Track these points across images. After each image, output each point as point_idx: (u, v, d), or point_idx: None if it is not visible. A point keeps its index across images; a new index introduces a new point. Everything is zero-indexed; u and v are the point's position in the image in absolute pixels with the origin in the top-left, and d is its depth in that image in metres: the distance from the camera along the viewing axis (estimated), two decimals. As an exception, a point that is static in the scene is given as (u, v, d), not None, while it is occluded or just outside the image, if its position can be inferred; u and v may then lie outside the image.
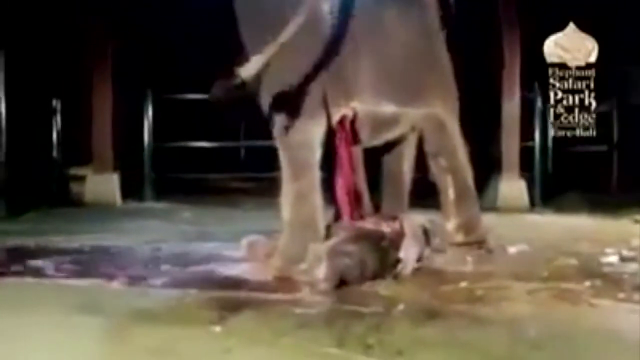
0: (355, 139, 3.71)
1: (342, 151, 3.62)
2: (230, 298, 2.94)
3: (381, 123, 3.80)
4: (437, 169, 3.97)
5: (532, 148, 6.93)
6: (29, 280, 3.26)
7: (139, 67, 7.70)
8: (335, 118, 3.61)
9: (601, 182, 7.40)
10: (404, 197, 4.09)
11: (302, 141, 3.55)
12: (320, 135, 3.58)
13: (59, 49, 6.98)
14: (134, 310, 2.73)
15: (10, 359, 2.19)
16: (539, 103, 6.75)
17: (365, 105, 3.67)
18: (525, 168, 6.92)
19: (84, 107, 6.87)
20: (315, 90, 3.53)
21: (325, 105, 3.56)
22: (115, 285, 3.20)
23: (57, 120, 7.04)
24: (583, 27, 3.82)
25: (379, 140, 3.92)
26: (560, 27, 4.11)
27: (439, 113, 3.92)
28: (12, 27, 6.40)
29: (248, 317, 2.63)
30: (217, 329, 2.46)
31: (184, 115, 8.01)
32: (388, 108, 3.76)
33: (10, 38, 6.28)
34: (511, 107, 6.90)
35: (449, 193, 3.91)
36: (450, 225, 3.88)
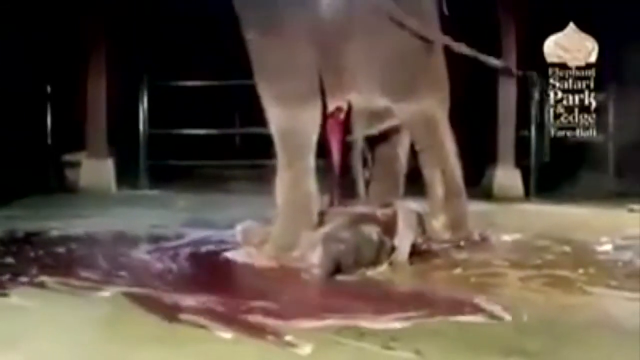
0: (347, 130, 3.73)
1: (333, 141, 3.66)
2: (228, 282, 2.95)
3: (374, 116, 3.81)
4: (425, 165, 3.95)
5: (528, 137, 6.93)
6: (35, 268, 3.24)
7: (134, 54, 7.66)
8: (330, 108, 3.63)
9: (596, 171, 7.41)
10: (397, 182, 4.08)
11: (297, 129, 3.56)
12: (315, 124, 3.59)
13: (53, 34, 6.93)
14: (131, 294, 2.73)
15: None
16: (535, 93, 6.74)
17: (360, 98, 3.68)
18: (521, 157, 6.93)
19: (78, 93, 6.84)
20: (311, 80, 3.54)
21: (322, 94, 3.57)
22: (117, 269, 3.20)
23: (52, 106, 7.01)
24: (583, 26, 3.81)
25: (371, 131, 3.93)
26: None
27: (430, 109, 3.90)
28: (5, 13, 6.36)
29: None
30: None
31: (179, 102, 7.97)
32: (382, 102, 3.77)
33: (3, 23, 6.24)
34: (507, 96, 6.89)
35: (437, 190, 3.88)
36: (437, 222, 3.84)
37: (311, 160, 3.58)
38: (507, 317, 2.47)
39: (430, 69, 3.91)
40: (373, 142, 4.08)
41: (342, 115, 3.69)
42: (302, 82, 3.54)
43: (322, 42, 3.55)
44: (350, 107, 3.71)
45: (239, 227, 3.72)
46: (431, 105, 3.89)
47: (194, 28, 8.21)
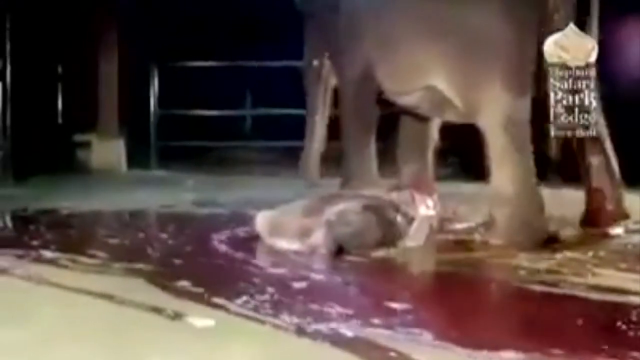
0: None
1: None
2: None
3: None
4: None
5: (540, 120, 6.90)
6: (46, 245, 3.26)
7: (146, 34, 7.67)
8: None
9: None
10: (427, 161, 4.05)
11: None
12: None
13: (65, 15, 6.93)
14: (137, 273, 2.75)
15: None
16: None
17: None
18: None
19: (89, 73, 6.85)
20: None
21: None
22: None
23: (62, 86, 7.03)
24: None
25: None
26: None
27: None
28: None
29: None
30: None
31: (191, 83, 7.98)
32: None
33: (16, 3, 6.25)
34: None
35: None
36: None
37: None
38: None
39: None
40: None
41: None
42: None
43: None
44: None
45: (258, 217, 3.46)
46: None
47: (205, 8, 8.20)
